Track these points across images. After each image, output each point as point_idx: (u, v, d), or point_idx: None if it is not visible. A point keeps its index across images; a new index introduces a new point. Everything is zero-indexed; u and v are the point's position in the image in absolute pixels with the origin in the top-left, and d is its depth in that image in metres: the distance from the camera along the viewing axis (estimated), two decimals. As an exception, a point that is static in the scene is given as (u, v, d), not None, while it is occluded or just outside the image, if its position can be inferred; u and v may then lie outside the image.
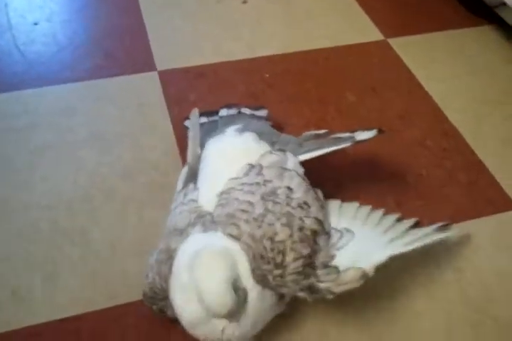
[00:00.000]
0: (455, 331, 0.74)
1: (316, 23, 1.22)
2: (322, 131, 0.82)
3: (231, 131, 0.82)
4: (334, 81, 1.10)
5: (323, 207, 0.74)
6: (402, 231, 0.75)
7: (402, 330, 0.74)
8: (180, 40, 1.15)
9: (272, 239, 0.65)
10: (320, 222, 0.70)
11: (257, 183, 0.71)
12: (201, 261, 0.60)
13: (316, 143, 0.80)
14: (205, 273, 0.59)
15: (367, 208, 0.78)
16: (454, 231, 0.80)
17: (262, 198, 0.69)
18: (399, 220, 0.78)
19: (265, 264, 0.63)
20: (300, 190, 0.72)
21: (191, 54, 1.12)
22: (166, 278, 0.64)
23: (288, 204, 0.69)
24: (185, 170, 0.78)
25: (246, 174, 0.72)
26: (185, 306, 0.62)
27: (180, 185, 0.76)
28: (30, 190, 0.86)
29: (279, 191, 0.70)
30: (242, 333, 0.62)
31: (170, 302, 0.64)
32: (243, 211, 0.67)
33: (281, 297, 0.65)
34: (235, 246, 0.64)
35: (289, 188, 0.71)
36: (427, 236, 0.75)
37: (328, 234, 0.71)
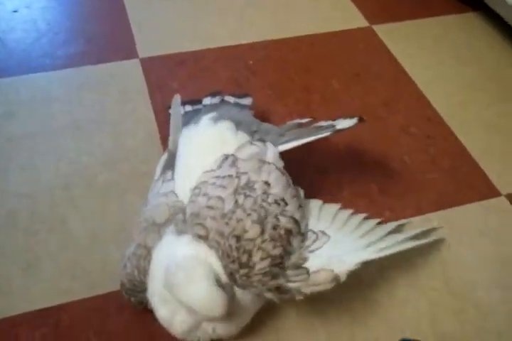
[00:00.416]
0: (439, 318, 0.74)
1: (301, 9, 1.21)
2: (305, 120, 0.81)
3: (205, 119, 0.79)
4: (318, 68, 1.09)
5: (301, 206, 0.71)
6: (380, 236, 0.74)
7: (386, 318, 0.73)
8: (162, 27, 1.13)
9: (238, 237, 0.63)
10: (296, 222, 0.68)
11: (230, 176, 0.68)
12: (178, 279, 0.59)
13: (297, 133, 0.79)
14: (187, 288, 0.58)
15: (347, 212, 0.76)
16: (434, 237, 0.80)
17: (234, 192, 0.66)
18: (379, 223, 0.77)
19: (231, 263, 0.61)
20: (278, 185, 0.70)
21: (173, 41, 1.10)
22: (145, 273, 0.64)
23: (264, 200, 0.67)
24: (164, 156, 0.77)
25: (219, 166, 0.70)
26: (173, 319, 0.61)
27: (158, 171, 0.75)
28: (8, 178, 0.84)
29: (256, 185, 0.68)
30: (231, 327, 0.62)
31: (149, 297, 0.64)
32: (210, 208, 0.65)
33: None
34: (203, 248, 0.62)
35: (267, 183, 0.69)
36: (404, 242, 0.75)
37: (303, 235, 0.68)
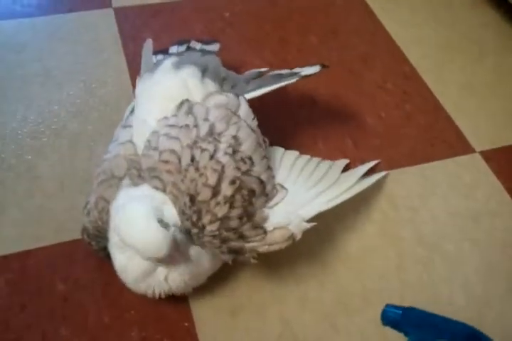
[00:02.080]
0: (405, 267, 0.74)
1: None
2: (264, 69, 0.79)
3: (166, 64, 0.73)
4: (296, 22, 1.07)
5: (269, 168, 0.68)
6: (330, 183, 0.72)
7: (355, 267, 0.73)
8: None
9: (192, 197, 0.60)
10: (261, 182, 0.64)
11: (186, 126, 0.63)
12: (122, 214, 0.57)
13: (263, 81, 0.75)
14: (127, 221, 0.55)
15: (305, 158, 0.74)
16: (376, 177, 0.79)
17: (192, 145, 0.62)
18: (331, 166, 0.75)
19: (186, 220, 0.59)
20: (247, 143, 0.65)
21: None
22: (108, 224, 0.61)
23: (227, 154, 0.62)
24: (131, 104, 0.74)
25: (174, 114, 0.65)
26: (127, 264, 0.59)
27: (124, 118, 0.72)
28: (-27, 125, 0.82)
29: (222, 138, 0.63)
30: (184, 280, 0.60)
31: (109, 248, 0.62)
32: (165, 162, 0.61)
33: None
34: (160, 195, 0.60)
35: (235, 137, 0.64)
36: (353, 186, 0.73)
37: (267, 195, 0.64)
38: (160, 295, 0.61)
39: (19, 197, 0.75)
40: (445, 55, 1.04)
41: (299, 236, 0.62)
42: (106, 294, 0.68)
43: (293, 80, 0.75)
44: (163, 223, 0.55)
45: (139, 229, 0.54)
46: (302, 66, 0.78)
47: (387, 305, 0.64)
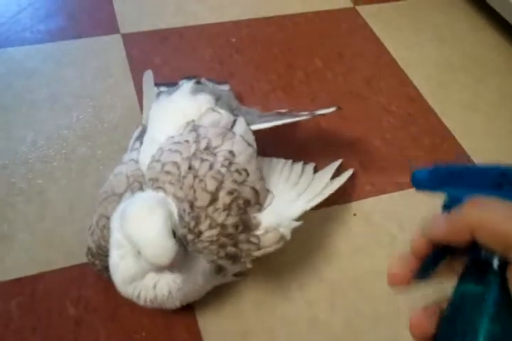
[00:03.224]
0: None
1: (285, -12, 1.21)
2: (284, 110, 0.81)
3: (184, 89, 0.77)
4: (302, 46, 1.08)
5: (262, 178, 0.69)
6: (307, 185, 0.74)
7: (365, 290, 0.73)
8: (144, 3, 1.12)
9: (191, 203, 0.61)
10: (256, 193, 0.66)
11: (187, 141, 0.67)
12: (134, 211, 0.56)
13: (276, 116, 0.78)
14: (140, 222, 0.55)
15: (280, 161, 0.76)
16: (349, 174, 0.82)
17: (191, 157, 0.64)
18: (303, 168, 0.77)
19: (183, 227, 0.60)
20: (242, 156, 0.67)
21: (156, 17, 1.09)
22: (109, 241, 0.61)
23: (223, 166, 0.64)
24: (138, 130, 0.76)
25: (180, 133, 0.68)
26: (120, 262, 0.58)
27: (130, 144, 0.74)
28: (-15, 149, 0.83)
29: (218, 152, 0.66)
30: (171, 289, 0.59)
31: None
32: (167, 173, 0.63)
33: (218, 268, 0.63)
34: (170, 200, 0.61)
35: (231, 152, 0.67)
36: (327, 187, 0.76)
37: (261, 205, 0.66)
38: (145, 301, 0.59)
39: (30, 221, 0.76)
40: (448, 76, 1.06)
41: (288, 237, 0.64)
42: (116, 316, 0.68)
43: (305, 117, 0.78)
44: (174, 233, 0.56)
45: (151, 234, 0.54)
46: (317, 109, 0.79)
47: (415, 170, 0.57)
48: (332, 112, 0.78)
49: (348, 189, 0.84)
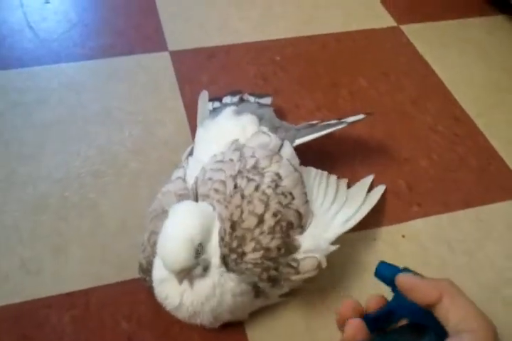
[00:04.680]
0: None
1: (328, 7, 1.21)
2: (315, 122, 0.82)
3: (227, 111, 0.80)
4: (345, 65, 1.09)
5: (307, 202, 0.69)
6: (342, 202, 0.74)
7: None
8: (191, 21, 1.14)
9: (234, 223, 0.61)
10: (299, 215, 0.66)
11: (231, 160, 0.68)
12: (177, 210, 0.60)
13: (313, 129, 0.80)
14: (174, 220, 0.59)
15: (318, 172, 0.76)
16: (382, 190, 0.83)
17: (236, 175, 0.65)
18: (338, 181, 0.78)
19: (223, 247, 0.61)
20: (288, 179, 0.67)
21: (203, 35, 1.11)
22: None
23: (270, 187, 0.65)
24: (189, 148, 0.78)
25: (222, 152, 0.70)
26: (156, 259, 0.61)
27: (181, 161, 0.76)
28: (38, 163, 0.85)
29: (266, 173, 0.66)
30: (194, 306, 0.60)
31: None
32: (216, 191, 0.64)
33: (257, 292, 0.63)
34: (214, 213, 0.63)
35: (278, 174, 0.67)
36: (362, 205, 0.76)
37: (302, 228, 0.66)
38: (168, 307, 0.62)
39: (82, 235, 0.77)
40: (496, 96, 1.05)
41: (324, 264, 0.64)
42: (168, 333, 0.68)
43: (339, 127, 0.79)
44: (198, 249, 0.57)
45: (174, 243, 0.57)
46: (347, 116, 0.82)
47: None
48: (364, 118, 0.81)
49: (394, 209, 0.84)
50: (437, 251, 0.79)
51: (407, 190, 0.87)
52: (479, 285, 0.76)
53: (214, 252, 0.60)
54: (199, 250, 0.58)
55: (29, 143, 0.88)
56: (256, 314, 0.69)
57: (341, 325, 0.44)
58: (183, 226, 0.58)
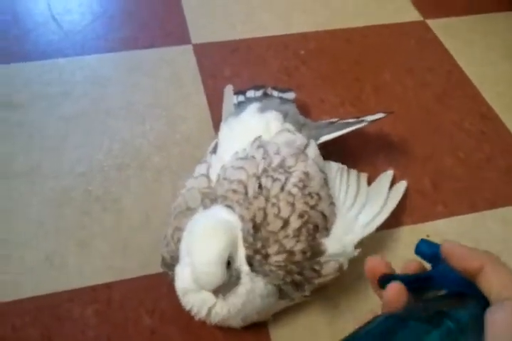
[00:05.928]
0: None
1: (354, 1, 1.20)
2: (334, 119, 0.81)
3: (251, 108, 0.79)
4: (370, 60, 1.07)
5: (332, 203, 0.68)
6: (363, 201, 0.72)
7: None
8: (215, 14, 1.13)
9: (257, 225, 0.60)
10: (325, 218, 0.65)
11: (253, 157, 0.66)
12: (200, 230, 0.58)
13: (335, 127, 0.79)
14: (201, 243, 0.57)
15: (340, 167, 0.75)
16: (403, 186, 0.82)
17: (261, 174, 0.64)
18: (358, 177, 0.77)
19: (247, 248, 0.60)
20: (316, 179, 0.66)
21: (226, 28, 1.10)
22: None
23: (295, 186, 0.63)
24: (213, 143, 0.77)
25: (244, 148, 0.69)
26: (182, 270, 0.60)
27: (205, 155, 0.75)
28: (62, 157, 0.85)
29: (293, 172, 0.65)
30: (229, 314, 0.59)
31: None
32: (234, 191, 0.63)
33: (282, 294, 0.63)
34: (234, 217, 0.61)
35: (306, 173, 0.66)
36: (385, 206, 0.74)
37: (328, 230, 0.65)
38: (196, 316, 0.61)
39: (105, 229, 0.77)
40: (523, 94, 1.03)
41: (346, 266, 0.63)
42: (190, 328, 0.68)
43: (361, 125, 0.79)
44: (230, 262, 0.57)
45: (206, 259, 0.56)
46: (368, 114, 0.81)
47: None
48: (385, 116, 0.80)
49: (419, 208, 0.83)
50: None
51: (432, 189, 0.86)
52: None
53: (242, 259, 0.60)
54: (230, 262, 0.57)
55: (52, 136, 0.88)
56: (279, 312, 0.68)
57: (375, 287, 0.43)
58: (210, 250, 0.56)
